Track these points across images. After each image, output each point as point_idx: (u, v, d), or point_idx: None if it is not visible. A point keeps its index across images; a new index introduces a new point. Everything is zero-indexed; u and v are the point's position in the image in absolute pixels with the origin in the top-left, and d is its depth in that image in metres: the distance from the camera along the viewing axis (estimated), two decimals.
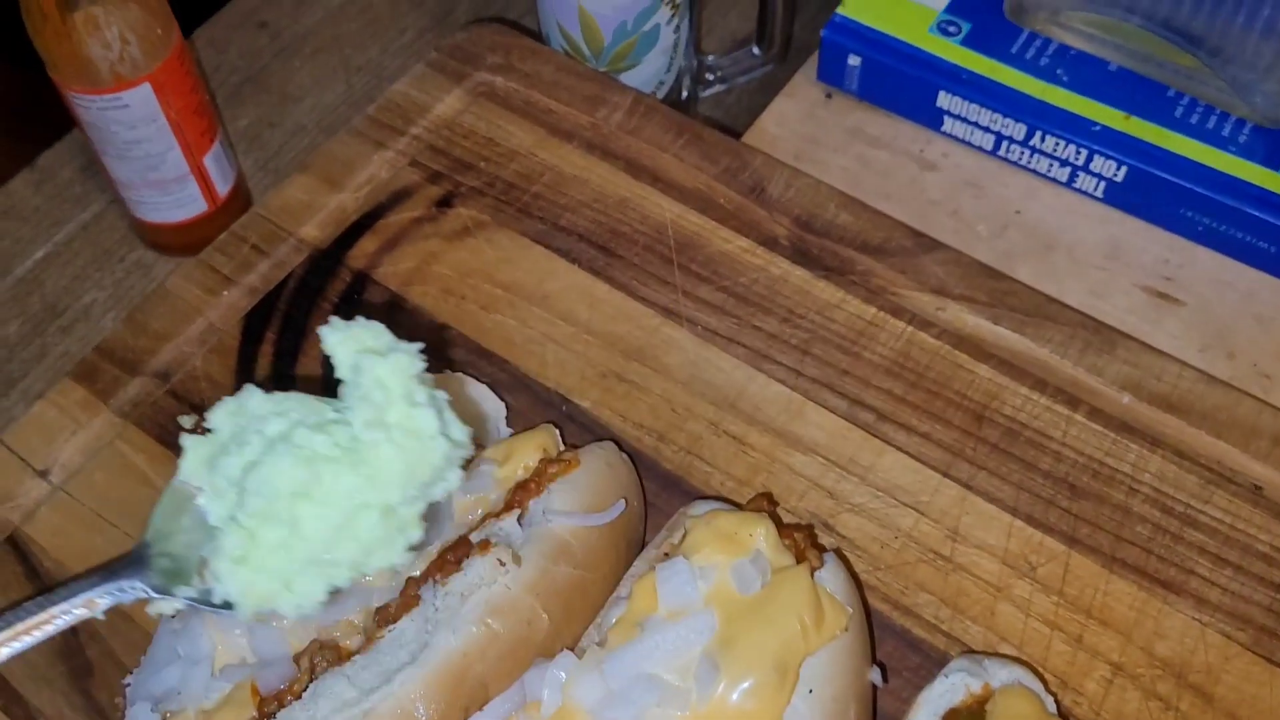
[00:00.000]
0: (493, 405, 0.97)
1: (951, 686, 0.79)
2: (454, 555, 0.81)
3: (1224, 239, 1.14)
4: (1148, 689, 0.88)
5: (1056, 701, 0.82)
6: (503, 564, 0.79)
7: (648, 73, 1.28)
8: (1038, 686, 0.79)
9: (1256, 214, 1.10)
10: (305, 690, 0.76)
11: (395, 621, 0.79)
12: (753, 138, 1.26)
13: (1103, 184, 1.17)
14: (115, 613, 0.91)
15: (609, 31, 1.23)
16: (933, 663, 0.89)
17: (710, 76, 1.38)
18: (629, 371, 1.04)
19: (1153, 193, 1.14)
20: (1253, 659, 0.89)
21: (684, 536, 0.83)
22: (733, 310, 1.07)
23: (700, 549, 0.80)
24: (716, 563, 0.80)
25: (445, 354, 1.06)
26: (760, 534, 0.81)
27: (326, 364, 0.77)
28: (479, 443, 0.82)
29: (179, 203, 1.27)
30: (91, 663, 0.90)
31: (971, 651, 0.88)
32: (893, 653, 0.90)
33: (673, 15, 1.23)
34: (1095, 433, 1.00)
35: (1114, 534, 0.95)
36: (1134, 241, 1.17)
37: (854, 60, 1.23)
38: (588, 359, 1.05)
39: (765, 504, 0.88)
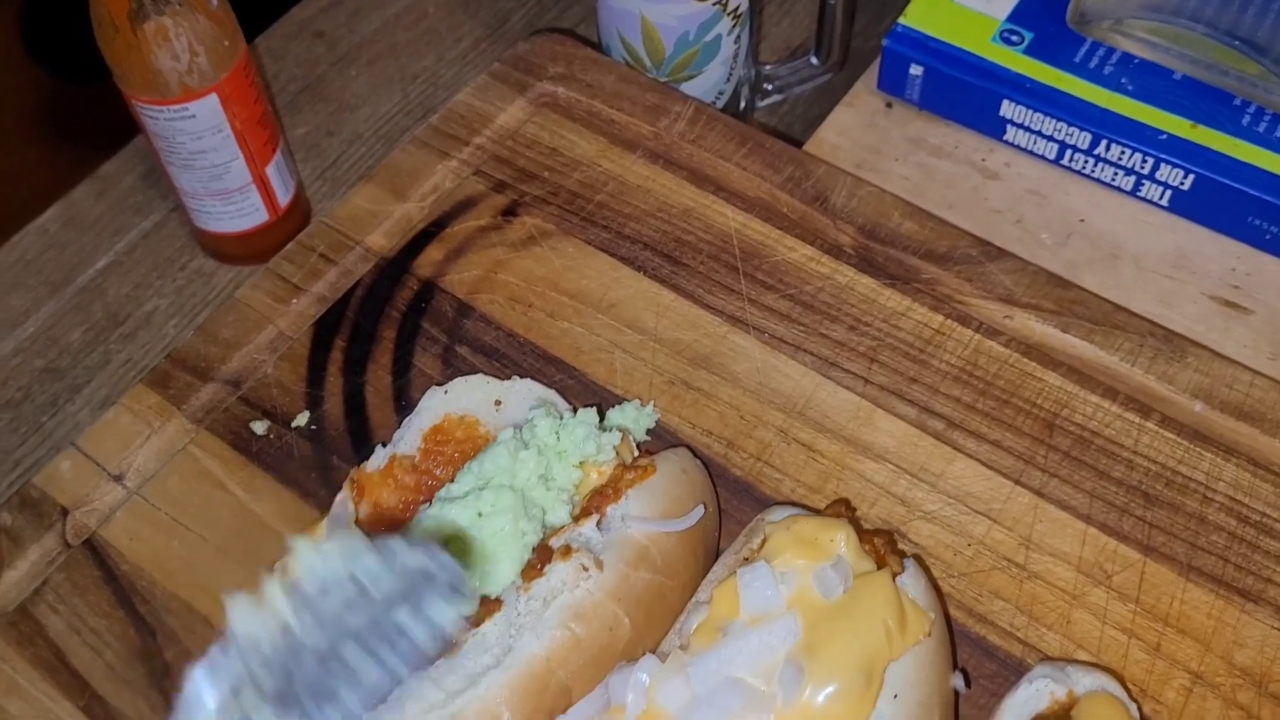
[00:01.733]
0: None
1: (1036, 693, 0.78)
2: (537, 561, 0.81)
3: None
4: (1228, 698, 0.87)
5: (1139, 708, 0.81)
6: (585, 569, 0.80)
7: (708, 83, 1.28)
8: (1121, 693, 0.79)
9: None
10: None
11: (479, 626, 0.79)
12: (813, 147, 1.27)
13: (1169, 193, 1.16)
14: (191, 614, 0.93)
15: (671, 42, 1.23)
16: (1009, 670, 0.88)
17: (768, 86, 1.38)
18: (697, 379, 1.04)
19: (1220, 201, 1.14)
20: None
21: (763, 542, 0.83)
22: (799, 318, 1.08)
23: (781, 554, 0.81)
24: (797, 568, 0.80)
25: (514, 362, 1.06)
26: (841, 539, 0.81)
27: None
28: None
29: (241, 212, 1.28)
30: (170, 664, 0.91)
31: (1053, 659, 0.87)
32: (968, 659, 0.90)
33: (734, 25, 1.24)
34: (1168, 441, 0.99)
35: (1189, 542, 0.94)
36: (1201, 250, 1.16)
37: (916, 70, 1.23)
38: (655, 366, 1.05)
39: (844, 510, 0.88)
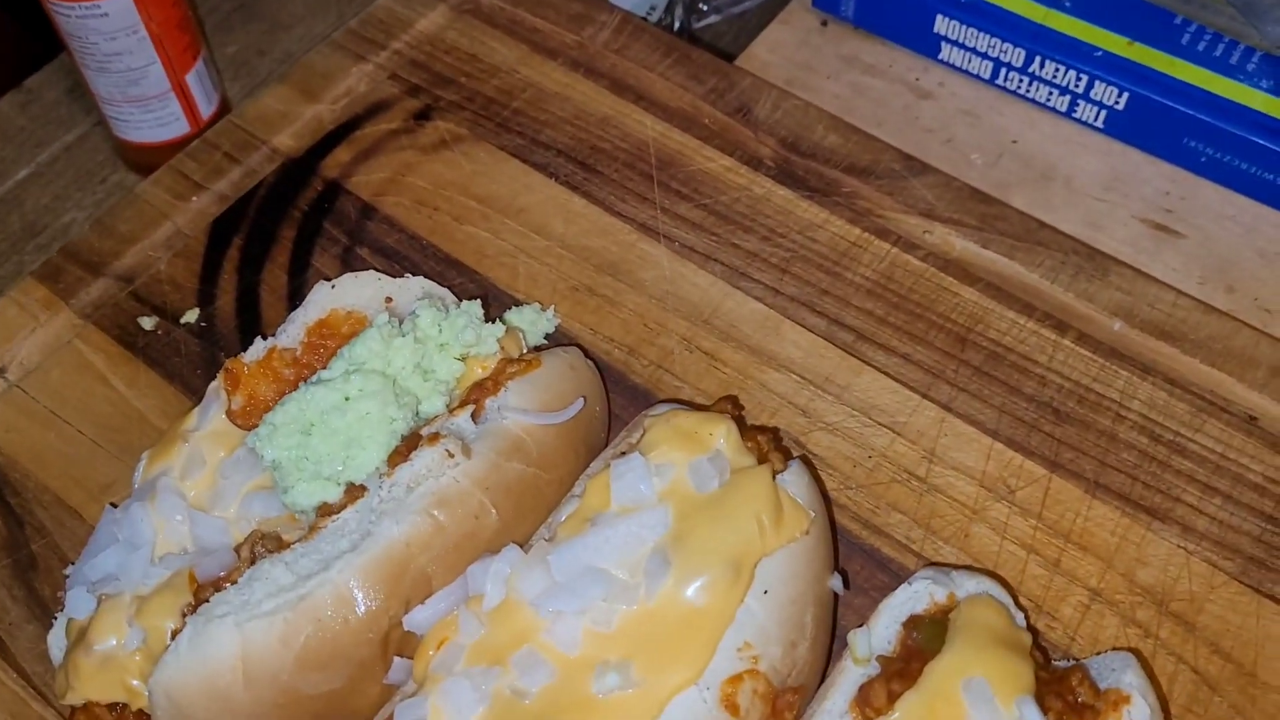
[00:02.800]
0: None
1: (915, 594, 0.75)
2: (404, 448, 0.78)
3: (1228, 171, 1.10)
4: (1126, 615, 0.84)
5: (1027, 618, 0.78)
6: (451, 455, 0.76)
7: None
8: (1006, 599, 0.76)
9: (1262, 142, 1.06)
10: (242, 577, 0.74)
11: (339, 512, 0.76)
12: (745, 63, 1.23)
13: (1103, 113, 1.13)
14: (62, 507, 0.90)
15: None
16: (900, 582, 0.84)
17: (704, 7, 1.34)
18: (602, 286, 1.01)
19: (1155, 121, 1.10)
20: (1240, 589, 0.85)
21: (642, 435, 0.80)
22: (712, 228, 1.04)
23: (658, 446, 0.77)
24: (674, 460, 0.77)
25: (415, 265, 1.03)
26: (721, 433, 0.78)
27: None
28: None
29: (160, 121, 1.24)
30: (35, 556, 0.88)
31: (939, 564, 0.84)
32: (860, 571, 0.87)
33: None
34: (1083, 358, 0.96)
35: (1098, 460, 0.91)
36: (1134, 173, 1.12)
37: None
38: (560, 272, 1.02)
39: (729, 407, 0.85)
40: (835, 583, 0.78)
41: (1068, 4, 1.14)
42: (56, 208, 1.31)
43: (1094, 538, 0.88)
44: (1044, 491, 0.90)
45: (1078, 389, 0.95)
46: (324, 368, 0.87)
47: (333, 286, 0.92)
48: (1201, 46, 1.10)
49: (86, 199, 1.31)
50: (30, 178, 1.34)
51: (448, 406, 0.82)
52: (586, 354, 0.92)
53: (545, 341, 0.96)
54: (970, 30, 1.15)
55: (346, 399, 0.79)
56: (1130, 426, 0.93)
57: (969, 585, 0.76)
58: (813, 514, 0.77)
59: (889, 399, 0.94)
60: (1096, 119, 1.14)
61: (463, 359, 0.86)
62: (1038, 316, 0.98)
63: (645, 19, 1.26)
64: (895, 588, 0.84)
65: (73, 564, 0.84)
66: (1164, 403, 0.94)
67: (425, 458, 0.76)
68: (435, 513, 0.75)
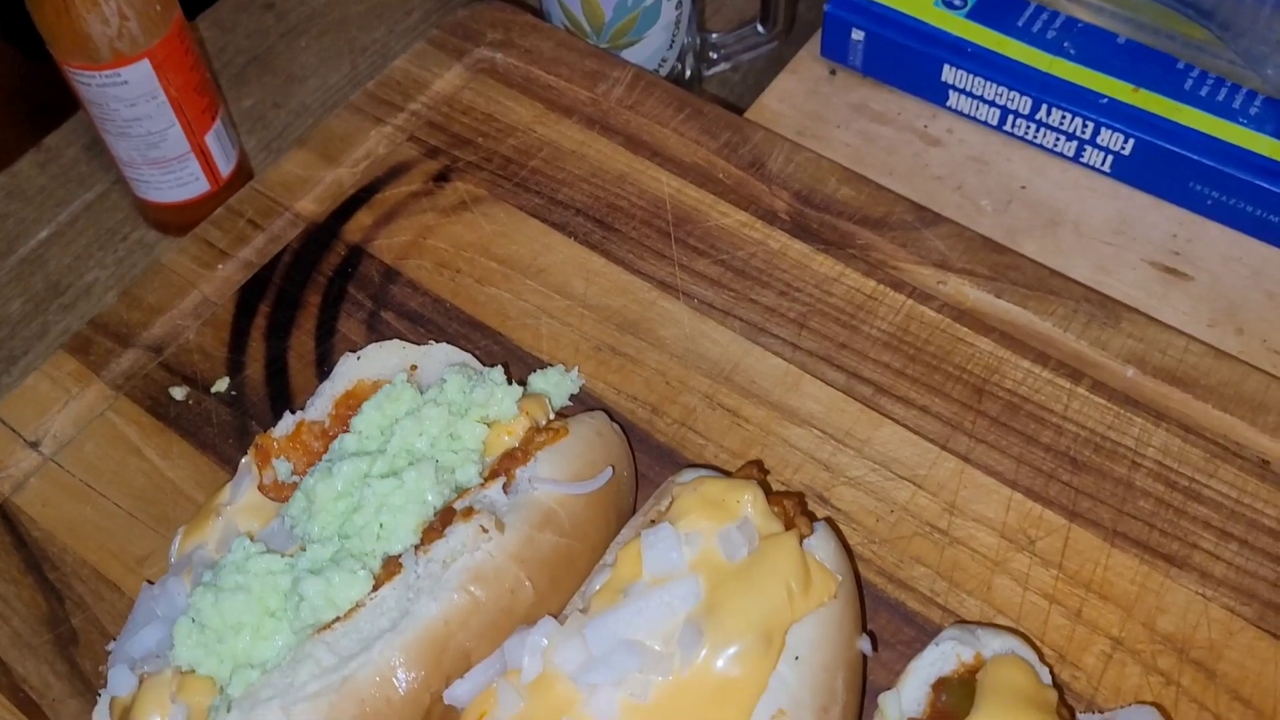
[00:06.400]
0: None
1: (942, 655, 0.77)
2: (439, 524, 0.80)
3: (1233, 213, 1.11)
4: (1148, 664, 0.86)
5: (1052, 673, 0.80)
6: (485, 530, 0.78)
7: (649, 50, 1.27)
8: (1032, 656, 0.77)
9: (1267, 186, 1.08)
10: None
11: (377, 590, 0.77)
12: (755, 114, 1.25)
13: (1110, 158, 1.15)
14: (100, 581, 0.92)
15: (609, 7, 1.22)
16: (927, 636, 0.86)
17: (714, 55, 1.36)
18: (624, 344, 1.03)
19: (1161, 166, 1.12)
20: (1257, 634, 0.87)
21: (671, 504, 0.81)
22: (730, 284, 1.06)
23: (686, 515, 0.79)
24: (703, 529, 0.78)
25: (439, 327, 1.05)
26: (748, 500, 0.79)
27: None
28: None
29: (180, 181, 1.26)
30: (76, 631, 0.90)
31: (965, 622, 0.86)
32: (886, 626, 0.88)
33: None
34: (1098, 406, 0.98)
35: (1116, 508, 0.93)
36: (1142, 216, 1.14)
37: (857, 35, 1.22)
38: (582, 332, 1.04)
39: (755, 471, 0.86)
40: (864, 645, 0.80)
41: (1072, 52, 1.16)
42: (79, 267, 1.33)
43: (1114, 587, 0.89)
44: (1064, 541, 0.92)
45: (1093, 437, 0.96)
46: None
47: (358, 358, 0.93)
48: (1204, 92, 1.12)
49: (108, 257, 1.33)
50: (52, 237, 1.36)
51: (481, 476, 0.84)
52: (611, 416, 0.94)
53: (570, 403, 0.98)
54: (977, 79, 1.17)
55: (386, 473, 0.81)
56: (1146, 474, 0.94)
57: (994, 644, 0.78)
58: (840, 578, 0.79)
59: (909, 452, 0.96)
60: (1103, 164, 1.16)
61: (487, 423, 0.88)
62: (1052, 365, 1.00)
63: (657, 71, 1.28)
64: (921, 640, 0.86)
65: (113, 638, 0.86)
66: (1178, 449, 0.95)
67: (460, 534, 0.78)
68: (472, 589, 0.77)
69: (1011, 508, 0.93)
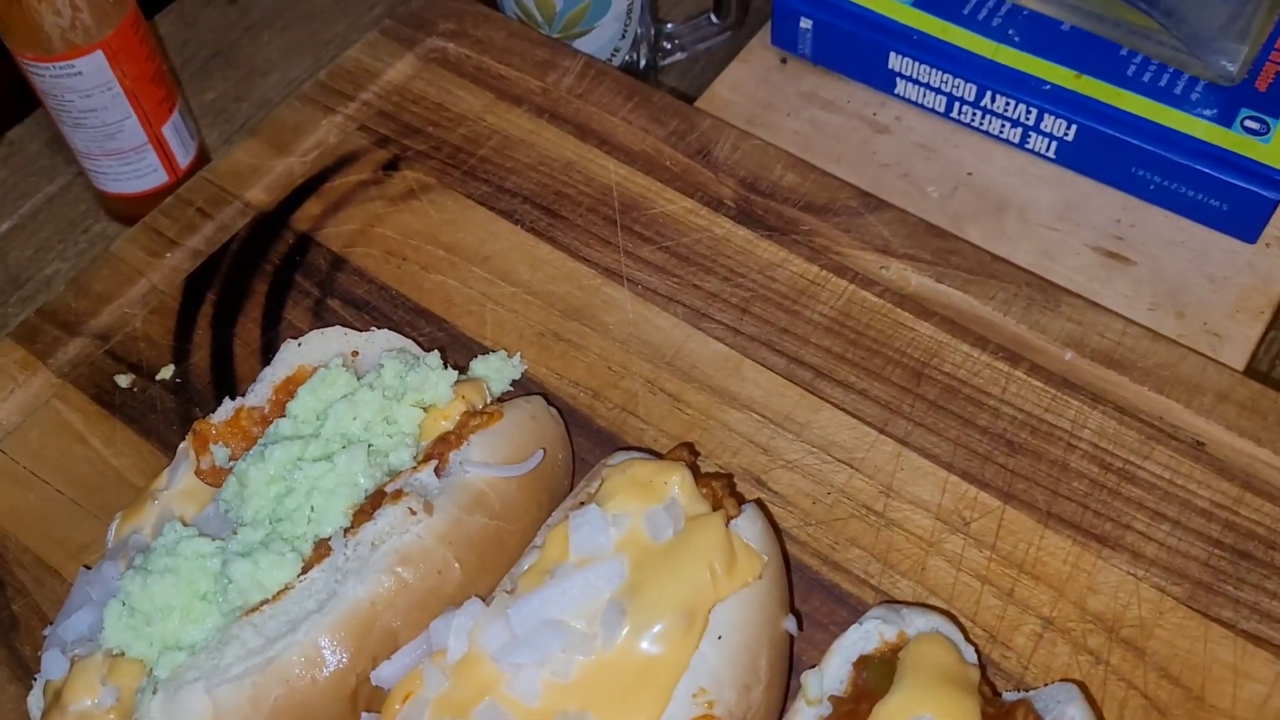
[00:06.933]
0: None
1: (865, 634, 0.78)
2: (369, 507, 0.80)
3: (1176, 198, 1.12)
4: (1078, 643, 0.87)
5: (979, 652, 0.80)
6: (413, 512, 0.79)
7: (601, 39, 1.27)
8: (956, 635, 0.78)
9: (1209, 171, 1.09)
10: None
11: (305, 572, 0.78)
12: (706, 103, 1.26)
13: (1054, 144, 1.15)
14: (42, 568, 0.92)
15: None
16: (859, 617, 0.87)
17: (669, 45, 1.37)
18: (567, 330, 1.04)
19: (1104, 152, 1.13)
20: (1187, 613, 0.88)
21: (600, 485, 0.82)
22: (674, 270, 1.07)
23: (614, 496, 0.80)
24: (630, 510, 0.79)
25: (385, 315, 1.05)
26: (675, 482, 0.80)
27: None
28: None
29: (138, 173, 1.27)
30: (16, 617, 0.90)
31: (893, 601, 0.87)
32: (820, 607, 0.89)
33: None
34: (1035, 389, 0.98)
35: (1050, 489, 0.94)
36: (1085, 202, 1.15)
37: (806, 24, 1.22)
38: (526, 318, 1.05)
39: (684, 454, 0.87)
40: (790, 624, 0.81)
41: (1017, 39, 1.17)
42: (39, 259, 1.33)
43: (1046, 567, 0.90)
44: (998, 523, 0.92)
45: (1030, 420, 0.97)
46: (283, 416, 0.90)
47: (300, 344, 0.94)
48: (1146, 78, 1.13)
49: (69, 250, 1.34)
50: (13, 230, 1.36)
51: (414, 459, 0.85)
52: (550, 400, 0.94)
53: (511, 388, 0.99)
54: (923, 66, 1.18)
55: (319, 456, 0.82)
56: (1081, 456, 0.95)
57: (919, 623, 0.79)
58: (765, 559, 0.80)
59: (847, 435, 0.97)
60: (1048, 150, 1.16)
61: (423, 408, 0.88)
62: (991, 349, 1.01)
63: (609, 61, 1.29)
64: (852, 621, 0.87)
65: (52, 622, 0.86)
66: (1114, 431, 0.96)
67: (389, 516, 0.79)
68: (399, 570, 0.78)
69: (947, 490, 0.94)
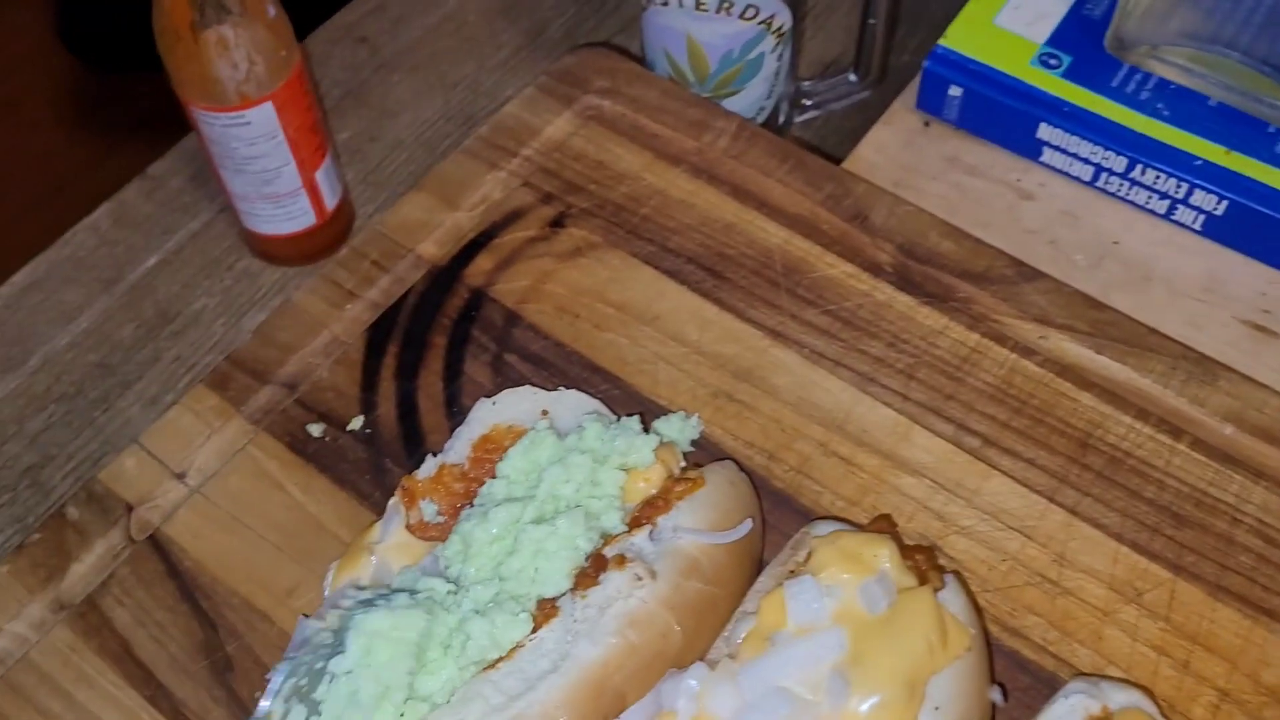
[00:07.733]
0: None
1: (1071, 708, 0.81)
2: (592, 569, 0.84)
3: None
4: (1254, 714, 0.90)
5: None
6: (640, 578, 0.83)
7: (749, 99, 1.31)
8: (1154, 710, 0.82)
9: None
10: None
11: (535, 632, 0.82)
12: (852, 164, 1.29)
13: (1202, 217, 1.19)
14: (251, 611, 0.96)
15: (715, 59, 1.26)
16: (1042, 683, 0.91)
17: (806, 103, 1.41)
18: (739, 391, 1.07)
19: (1252, 227, 1.17)
20: None
21: (809, 555, 0.86)
22: (838, 334, 1.10)
23: (826, 568, 0.84)
24: (842, 581, 0.83)
25: (561, 371, 1.09)
26: (885, 555, 0.84)
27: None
28: None
29: (290, 215, 1.31)
30: (231, 658, 0.94)
31: (1086, 674, 0.90)
32: (1002, 673, 0.92)
33: (778, 44, 1.27)
34: (1198, 463, 1.02)
35: (1218, 563, 0.97)
36: (1232, 274, 1.19)
37: (955, 91, 1.26)
38: (698, 378, 1.08)
39: (886, 525, 0.91)
40: (995, 695, 0.85)
41: (1166, 113, 1.20)
42: (186, 295, 1.37)
43: (1218, 639, 0.94)
44: (1169, 594, 0.96)
45: (1195, 493, 1.01)
46: (492, 477, 0.94)
47: (494, 403, 0.98)
48: None
49: (215, 286, 1.38)
50: (159, 264, 1.41)
51: (624, 523, 0.89)
52: (737, 464, 0.98)
53: (691, 448, 1.03)
54: (1072, 138, 1.21)
55: (535, 518, 0.86)
56: (1246, 530, 0.99)
57: (1119, 698, 0.83)
58: (973, 630, 0.83)
59: (1017, 503, 1.01)
60: (1194, 222, 1.20)
61: (625, 470, 0.92)
62: (1153, 422, 1.04)
63: (754, 119, 1.33)
64: (1036, 688, 0.90)
65: (266, 667, 0.90)
66: (1277, 506, 1.00)
67: (615, 580, 0.83)
68: (628, 633, 0.81)
69: (1118, 560, 0.97)
